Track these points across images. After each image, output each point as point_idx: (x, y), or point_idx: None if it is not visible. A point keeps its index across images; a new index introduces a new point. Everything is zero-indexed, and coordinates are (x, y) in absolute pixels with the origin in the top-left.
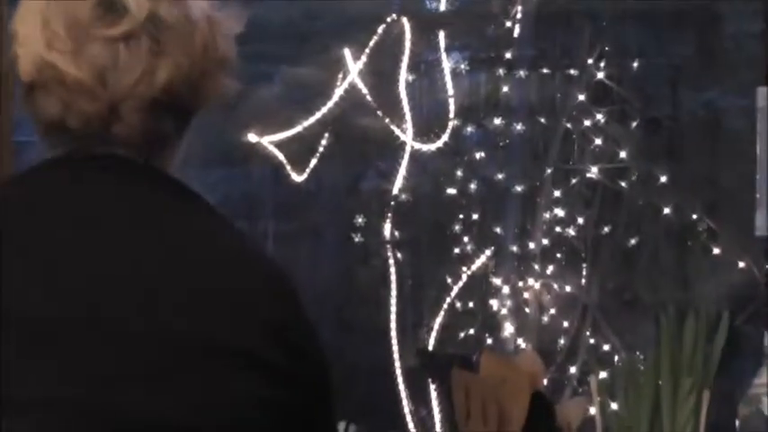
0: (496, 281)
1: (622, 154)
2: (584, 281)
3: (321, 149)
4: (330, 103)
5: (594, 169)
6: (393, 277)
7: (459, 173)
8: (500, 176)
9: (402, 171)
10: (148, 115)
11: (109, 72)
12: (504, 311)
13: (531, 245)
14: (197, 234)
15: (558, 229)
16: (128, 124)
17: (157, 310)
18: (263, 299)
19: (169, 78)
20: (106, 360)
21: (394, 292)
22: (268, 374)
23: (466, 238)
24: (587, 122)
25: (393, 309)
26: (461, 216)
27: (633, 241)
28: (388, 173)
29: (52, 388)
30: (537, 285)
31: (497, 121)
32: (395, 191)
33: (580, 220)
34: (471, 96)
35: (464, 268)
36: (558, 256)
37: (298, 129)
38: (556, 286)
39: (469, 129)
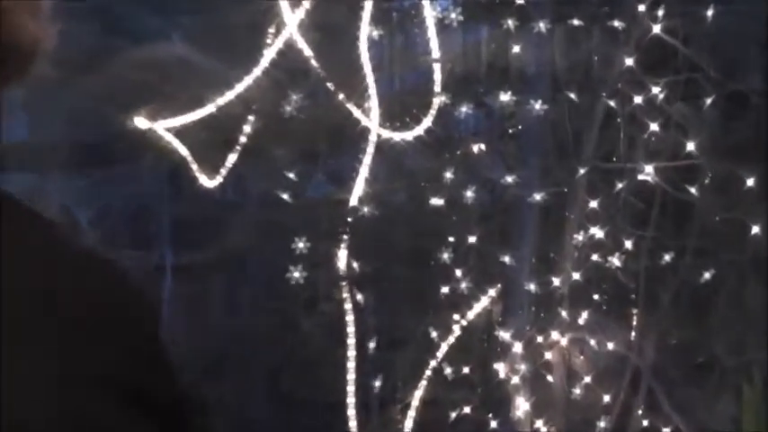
0: (505, 335)
1: (690, 146)
2: (634, 334)
3: (243, 140)
4: (256, 72)
5: (649, 169)
6: (351, 330)
7: (448, 174)
8: (510, 180)
9: (364, 172)
10: None
11: None
12: (515, 380)
13: (556, 281)
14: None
15: (595, 257)
16: None
17: None
18: (120, 359)
19: None
20: None
21: (352, 353)
22: None
23: (459, 272)
24: (639, 99)
25: (351, 377)
26: (452, 239)
27: (707, 275)
28: (343, 175)
29: None
30: (564, 341)
31: (505, 97)
32: (353, 201)
33: (628, 245)
34: (467, 61)
35: (456, 316)
36: (596, 297)
37: (208, 109)
38: (593, 342)
39: (464, 109)
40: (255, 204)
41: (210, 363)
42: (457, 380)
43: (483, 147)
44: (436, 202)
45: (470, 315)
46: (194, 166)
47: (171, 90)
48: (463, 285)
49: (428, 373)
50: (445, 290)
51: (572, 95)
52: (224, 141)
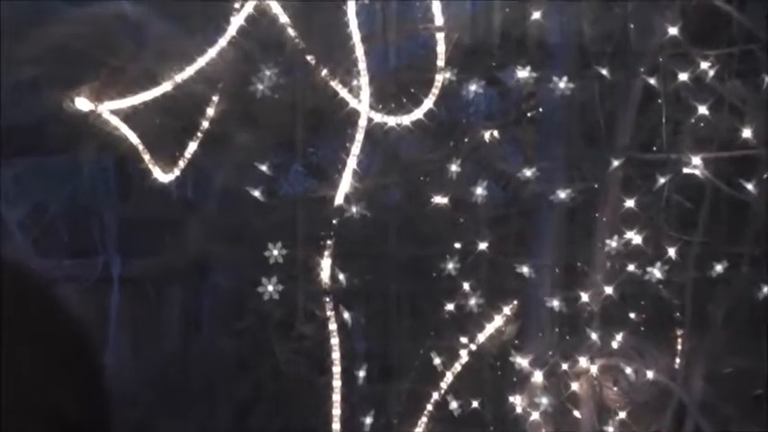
0: (522, 362)
1: (746, 133)
2: (679, 361)
3: (206, 125)
4: (222, 42)
5: (697, 160)
6: (336, 356)
7: (454, 167)
8: (528, 174)
9: (352, 164)
10: None
11: None
12: (535, 416)
13: (585, 296)
14: None
15: (632, 267)
16: None
17: None
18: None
19: None
20: None
21: (338, 383)
22: None
23: (467, 286)
24: (684, 76)
25: (336, 412)
26: (458, 245)
27: (766, 289)
28: (326, 167)
29: None
30: (595, 369)
31: (523, 73)
32: (339, 199)
33: (672, 253)
34: (477, 29)
35: (464, 339)
36: (633, 316)
37: (163, 88)
38: (629, 371)
39: (473, 88)
40: (220, 203)
41: (165, 395)
42: (464, 416)
43: (496, 134)
44: (439, 200)
45: (481, 338)
46: (146, 157)
47: (118, 63)
48: (472, 302)
49: (429, 407)
50: (450, 307)
51: (603, 71)
52: (182, 127)
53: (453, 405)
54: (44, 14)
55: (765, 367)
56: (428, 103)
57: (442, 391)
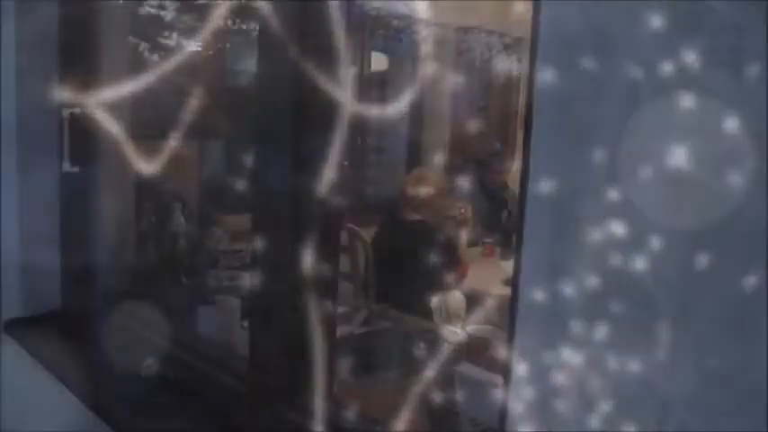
0: (503, 354)
1: (731, 123)
2: (663, 354)
3: (188, 118)
4: (204, 33)
5: (681, 151)
6: (319, 347)
7: (439, 158)
8: (512, 165)
9: (335, 156)
10: None
11: None
12: (518, 408)
13: (568, 289)
14: None
15: (614, 260)
16: None
17: None
18: None
19: None
20: None
21: (321, 374)
22: None
23: (451, 276)
24: (668, 66)
25: (319, 404)
26: (443, 237)
27: (752, 280)
28: (310, 159)
29: None
30: (578, 362)
31: (507, 65)
32: (322, 191)
33: (656, 244)
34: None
35: (447, 331)
36: (617, 310)
37: (147, 79)
38: (614, 363)
39: (458, 80)
40: (200, 195)
41: (140, 392)
42: (447, 408)
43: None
44: (424, 191)
45: (465, 329)
46: (130, 149)
47: (103, 53)
48: (457, 293)
49: (413, 399)
50: (434, 298)
51: (587, 63)
52: (166, 119)
53: (437, 397)
54: (29, 4)
55: (756, 361)
56: (412, 95)
57: (426, 383)
